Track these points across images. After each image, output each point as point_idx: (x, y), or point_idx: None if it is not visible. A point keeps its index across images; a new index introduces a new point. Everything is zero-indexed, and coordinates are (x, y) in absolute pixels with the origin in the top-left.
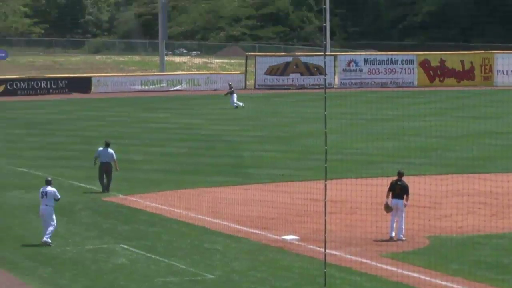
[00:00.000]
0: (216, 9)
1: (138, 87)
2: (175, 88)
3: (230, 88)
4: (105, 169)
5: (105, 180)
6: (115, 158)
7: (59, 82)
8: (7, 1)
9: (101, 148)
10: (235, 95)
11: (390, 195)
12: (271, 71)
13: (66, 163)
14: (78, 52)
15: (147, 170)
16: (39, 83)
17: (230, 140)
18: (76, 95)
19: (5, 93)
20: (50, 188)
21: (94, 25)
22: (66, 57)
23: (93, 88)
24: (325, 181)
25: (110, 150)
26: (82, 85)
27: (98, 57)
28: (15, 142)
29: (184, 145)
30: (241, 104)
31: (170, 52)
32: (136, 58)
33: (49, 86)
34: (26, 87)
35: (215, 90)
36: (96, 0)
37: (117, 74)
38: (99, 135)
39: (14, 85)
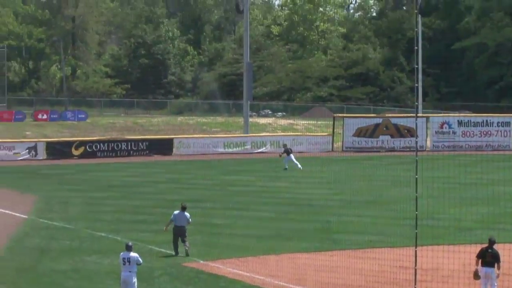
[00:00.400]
0: (303, 69)
1: (221, 149)
2: (260, 150)
3: (285, 149)
4: (180, 233)
5: (178, 245)
6: (191, 222)
7: (140, 143)
8: (88, 61)
9: (177, 212)
10: (292, 155)
11: (480, 262)
12: (360, 132)
13: (146, 227)
14: (159, 113)
15: (229, 235)
16: (119, 145)
17: (317, 204)
18: (157, 157)
19: (85, 155)
20: (132, 254)
21: (177, 86)
22: (147, 118)
23: (174, 150)
24: (416, 247)
25: (187, 214)
26: (164, 147)
27: (180, 118)
28: (94, 205)
29: (268, 209)
30: (299, 166)
31: (254, 113)
32: (220, 119)
33: (129, 148)
34: (106, 148)
35: (301, 152)
36: (179, 60)
37: (200, 135)
38: (180, 198)
39: (94, 147)
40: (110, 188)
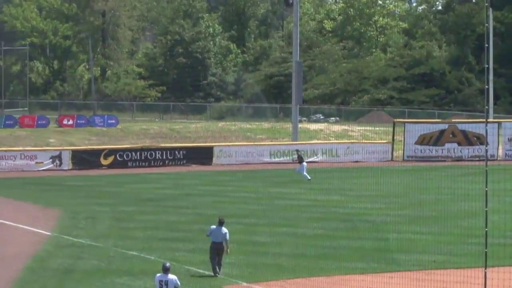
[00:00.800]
0: (360, 69)
1: (267, 159)
2: (310, 159)
3: (298, 156)
4: (217, 250)
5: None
6: (227, 238)
7: (176, 152)
8: (120, 61)
9: (214, 227)
10: (304, 164)
11: None
12: (423, 140)
13: (182, 245)
14: (198, 118)
15: (275, 254)
16: (153, 154)
17: (374, 220)
18: (195, 167)
19: (115, 164)
20: (170, 276)
21: (218, 88)
22: (185, 124)
23: (215, 159)
24: (485, 268)
25: (224, 229)
26: (203, 155)
27: (221, 123)
28: (124, 221)
29: (319, 226)
30: (308, 177)
31: (304, 119)
32: (265, 125)
33: (164, 157)
34: (139, 158)
35: (357, 162)
36: (220, 60)
37: (243, 143)
38: (220, 214)
39: (124, 156)
40: (142, 201)
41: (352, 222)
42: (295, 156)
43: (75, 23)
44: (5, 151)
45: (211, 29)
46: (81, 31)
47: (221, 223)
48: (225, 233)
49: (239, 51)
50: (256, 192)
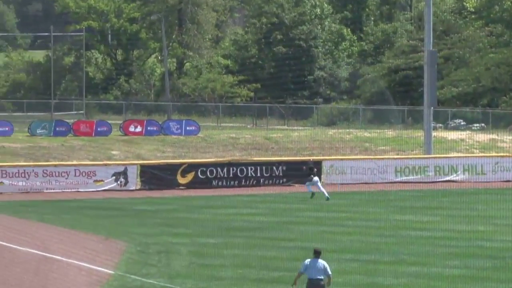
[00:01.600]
0: (511, 62)
1: (391, 176)
2: (448, 178)
3: (309, 169)
4: None
5: None
6: (329, 273)
7: (274, 168)
8: (201, 50)
9: (308, 260)
10: (316, 178)
11: None
12: None
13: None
14: (302, 124)
15: None
16: (245, 170)
17: None
18: (298, 187)
19: (195, 183)
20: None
21: (328, 85)
22: (285, 131)
23: (324, 177)
24: None
25: (322, 262)
26: (308, 172)
27: (332, 131)
28: (208, 256)
29: (459, 264)
30: (319, 192)
31: (440, 125)
32: (389, 133)
33: (258, 174)
34: (226, 175)
35: (508, 181)
36: (331, 49)
37: (360, 157)
38: (329, 247)
39: (208, 173)
40: (230, 231)
41: (503, 259)
42: (309, 170)
43: (143, 2)
44: (56, 166)
45: (318, 10)
46: (152, 12)
47: (317, 255)
48: (325, 266)
49: (355, 38)
50: (377, 220)
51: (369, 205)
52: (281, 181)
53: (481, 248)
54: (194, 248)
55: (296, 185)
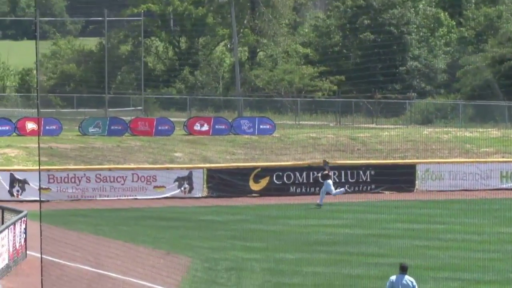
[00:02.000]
0: None
1: (496, 182)
2: None
3: (324, 170)
4: None
5: None
6: None
7: (361, 172)
8: (277, 38)
9: (394, 277)
10: (329, 181)
11: None
12: None
13: None
14: (393, 122)
15: None
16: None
17: None
18: (389, 195)
19: (270, 190)
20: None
21: (423, 77)
22: (373, 130)
23: (418, 183)
24: None
25: (409, 279)
26: (399, 178)
27: (428, 130)
28: (285, 274)
29: None
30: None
31: None
32: (494, 132)
33: (343, 179)
34: (305, 180)
35: None
36: (426, 36)
37: (460, 160)
38: (425, 264)
39: (284, 178)
40: (310, 246)
41: None
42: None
43: None
44: (110, 170)
45: None
46: None
47: (403, 271)
48: (413, 284)
49: (453, 23)
50: (480, 233)
51: (470, 216)
52: (369, 188)
53: None
54: (269, 265)
55: (387, 192)
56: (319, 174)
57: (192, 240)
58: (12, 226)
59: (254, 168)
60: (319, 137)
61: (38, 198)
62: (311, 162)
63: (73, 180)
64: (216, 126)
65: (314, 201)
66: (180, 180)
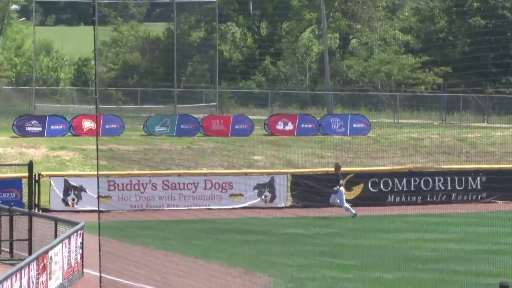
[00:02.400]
0: None
1: None
2: None
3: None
4: None
5: None
6: None
7: (470, 179)
8: (372, 23)
9: None
10: (342, 190)
11: None
12: None
13: None
14: (507, 120)
15: None
16: (429, 182)
17: None
18: (503, 205)
19: (365, 198)
20: None
21: None
22: (484, 130)
23: None
24: None
25: None
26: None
27: None
28: None
29: None
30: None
31: None
32: None
33: (449, 187)
34: (405, 188)
35: None
36: None
37: None
38: None
39: (381, 185)
40: (410, 263)
41: None
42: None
43: None
44: (180, 175)
45: None
46: None
47: None
48: None
49: None
50: None
51: None
52: (479, 197)
53: None
54: (364, 286)
55: (500, 201)
56: (338, 185)
57: (274, 257)
58: (66, 240)
59: (346, 173)
60: (421, 137)
61: (96, 208)
62: (412, 166)
63: (136, 187)
64: (302, 125)
65: (416, 212)
66: (260, 188)
